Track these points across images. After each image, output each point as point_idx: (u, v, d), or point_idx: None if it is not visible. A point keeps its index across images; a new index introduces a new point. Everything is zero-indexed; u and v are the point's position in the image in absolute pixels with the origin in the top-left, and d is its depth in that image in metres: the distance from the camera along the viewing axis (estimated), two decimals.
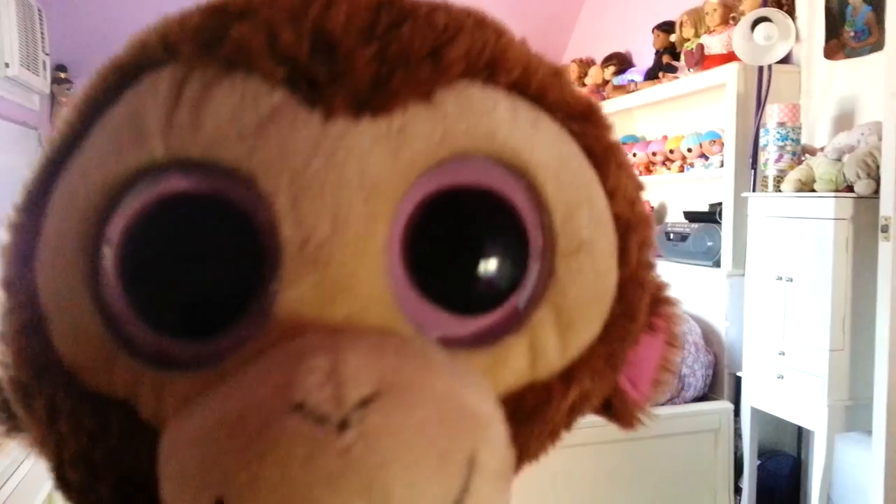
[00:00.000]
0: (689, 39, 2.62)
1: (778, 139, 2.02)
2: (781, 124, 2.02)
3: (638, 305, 0.39)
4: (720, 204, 2.36)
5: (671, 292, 0.43)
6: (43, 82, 2.70)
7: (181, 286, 0.32)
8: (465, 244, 0.34)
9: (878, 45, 1.97)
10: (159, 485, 0.31)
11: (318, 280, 0.31)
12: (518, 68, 0.36)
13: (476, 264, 0.34)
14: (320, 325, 0.31)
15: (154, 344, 0.33)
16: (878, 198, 1.66)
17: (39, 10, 2.63)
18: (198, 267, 0.32)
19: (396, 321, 0.32)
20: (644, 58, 3.07)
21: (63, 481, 0.35)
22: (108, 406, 0.33)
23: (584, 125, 0.38)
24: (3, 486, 1.40)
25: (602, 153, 0.38)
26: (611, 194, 0.38)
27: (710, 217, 2.43)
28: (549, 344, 0.35)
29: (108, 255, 0.33)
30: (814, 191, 1.86)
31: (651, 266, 0.41)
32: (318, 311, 0.31)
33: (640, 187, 0.40)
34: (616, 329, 0.38)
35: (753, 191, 2.17)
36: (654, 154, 2.79)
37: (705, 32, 2.53)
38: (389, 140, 0.32)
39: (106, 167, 0.33)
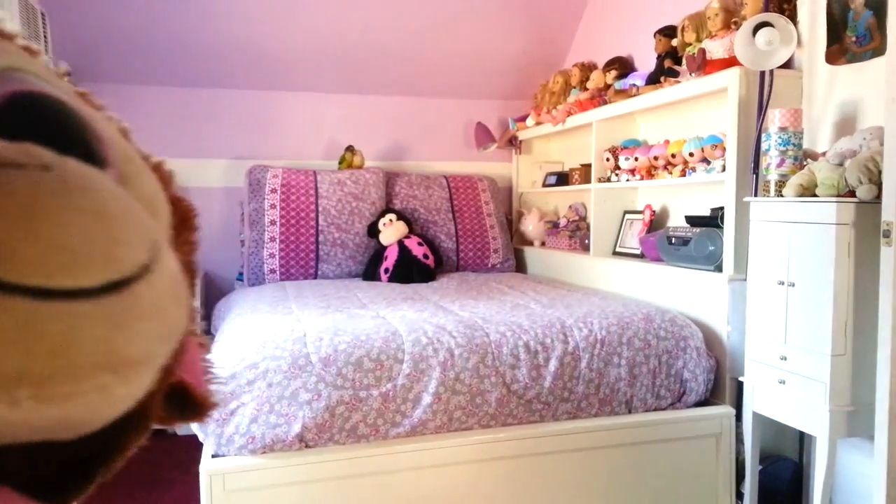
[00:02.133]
0: (690, 44, 2.63)
1: (779, 144, 2.02)
2: (783, 129, 2.02)
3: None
4: (722, 208, 2.36)
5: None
6: None
7: None
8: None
9: (879, 50, 1.98)
10: None
11: None
12: None
13: None
14: None
15: None
16: (879, 203, 1.66)
17: (42, 14, 2.64)
18: None
19: None
20: (646, 62, 3.07)
21: None
22: None
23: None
24: None
25: None
26: None
27: (712, 222, 2.43)
28: None
29: None
30: (815, 195, 1.86)
31: None
32: None
33: None
34: None
35: (755, 195, 2.17)
36: (655, 158, 2.79)
37: (707, 37, 2.53)
38: None
39: None
